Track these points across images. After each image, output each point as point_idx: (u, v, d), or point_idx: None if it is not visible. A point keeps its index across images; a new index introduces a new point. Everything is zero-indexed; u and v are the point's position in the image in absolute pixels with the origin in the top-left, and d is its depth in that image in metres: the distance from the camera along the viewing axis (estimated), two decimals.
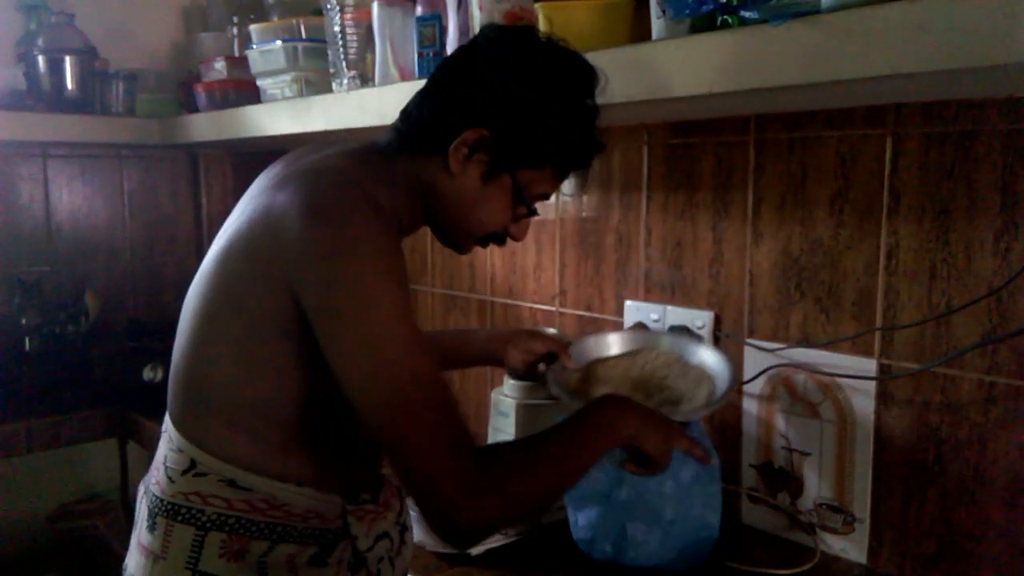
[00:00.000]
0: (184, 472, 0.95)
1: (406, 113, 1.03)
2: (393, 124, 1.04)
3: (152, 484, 0.99)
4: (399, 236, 1.00)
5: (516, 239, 1.06)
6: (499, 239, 1.06)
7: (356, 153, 1.02)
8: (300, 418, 0.94)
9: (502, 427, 1.47)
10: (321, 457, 0.97)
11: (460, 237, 1.06)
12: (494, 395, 1.50)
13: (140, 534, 0.99)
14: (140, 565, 0.98)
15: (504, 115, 0.96)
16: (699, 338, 1.30)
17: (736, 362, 1.36)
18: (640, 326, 1.48)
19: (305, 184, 0.93)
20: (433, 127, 0.98)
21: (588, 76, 1.00)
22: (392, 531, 1.05)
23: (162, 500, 0.96)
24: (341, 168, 0.97)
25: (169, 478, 0.96)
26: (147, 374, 2.05)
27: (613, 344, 1.33)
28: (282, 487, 0.95)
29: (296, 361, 0.92)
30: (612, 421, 1.01)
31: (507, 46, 0.98)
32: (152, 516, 0.97)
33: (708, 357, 1.24)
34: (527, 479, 0.91)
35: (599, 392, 1.22)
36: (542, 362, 1.30)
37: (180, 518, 0.94)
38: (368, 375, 0.87)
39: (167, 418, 1.00)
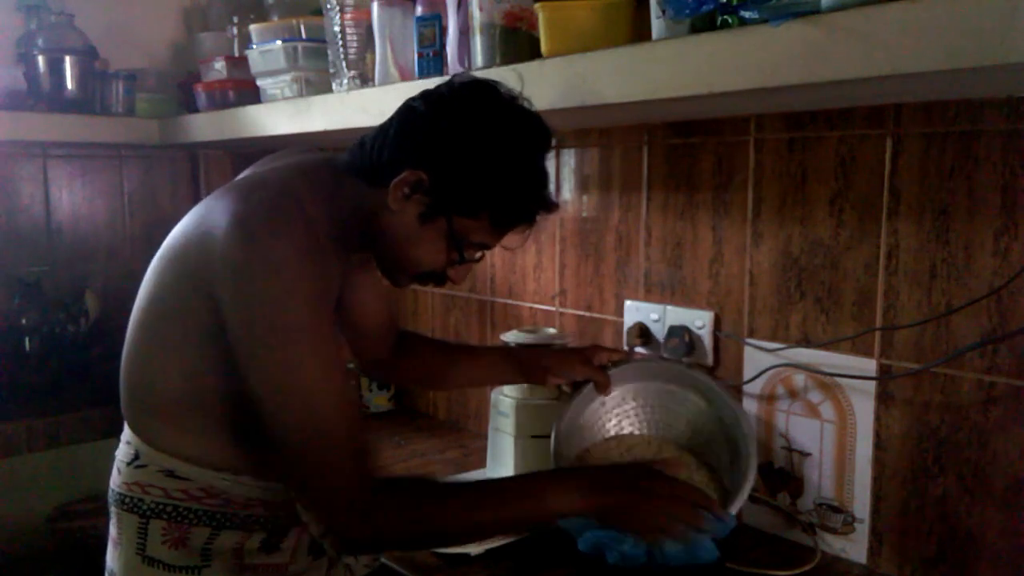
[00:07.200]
0: (129, 463, 1.02)
1: (363, 141, 1.04)
2: (351, 146, 1.06)
3: (112, 477, 1.07)
4: (341, 252, 1.03)
5: (454, 282, 1.07)
6: (437, 280, 1.07)
7: (306, 167, 1.04)
8: (230, 413, 0.98)
9: (502, 427, 1.47)
10: (259, 447, 0.97)
11: (395, 271, 1.07)
12: (494, 395, 1.50)
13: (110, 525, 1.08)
14: (109, 552, 1.06)
15: (443, 162, 0.97)
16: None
17: (736, 362, 1.37)
18: (640, 326, 1.48)
19: (240, 197, 0.95)
20: (381, 161, 1.00)
21: (540, 137, 1.01)
22: None
23: (114, 491, 1.04)
24: (283, 181, 0.99)
25: (118, 469, 1.05)
26: None
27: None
28: (219, 476, 1.00)
29: (222, 363, 0.94)
30: (560, 500, 0.98)
31: (465, 96, 0.99)
32: (110, 506, 1.06)
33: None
34: (424, 518, 0.94)
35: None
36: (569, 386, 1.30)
37: (125, 507, 1.02)
38: (279, 400, 0.90)
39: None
